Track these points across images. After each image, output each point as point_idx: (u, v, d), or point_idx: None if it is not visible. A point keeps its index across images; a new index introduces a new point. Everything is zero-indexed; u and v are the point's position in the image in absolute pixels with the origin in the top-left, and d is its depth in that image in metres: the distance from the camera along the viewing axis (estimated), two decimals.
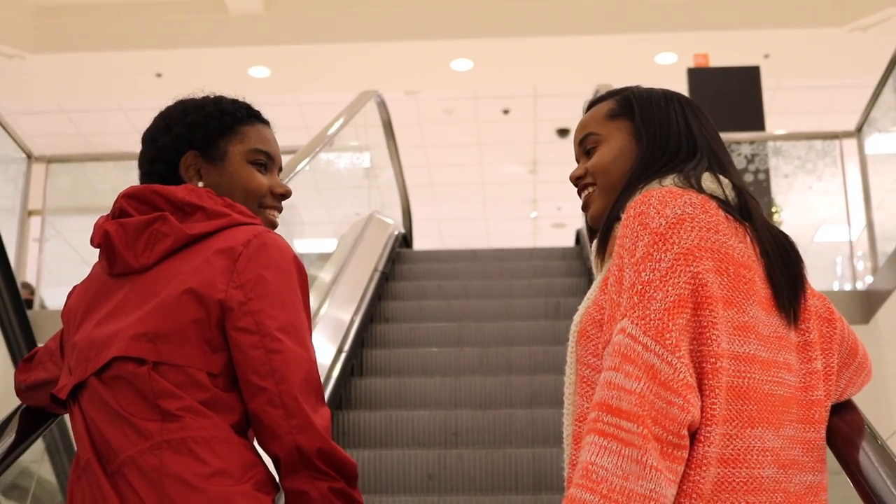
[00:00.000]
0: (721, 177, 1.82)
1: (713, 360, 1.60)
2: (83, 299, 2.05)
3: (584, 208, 1.95)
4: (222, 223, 1.99)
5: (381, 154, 8.66)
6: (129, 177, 8.25)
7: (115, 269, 2.01)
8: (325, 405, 1.93)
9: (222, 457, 1.85)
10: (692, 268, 1.62)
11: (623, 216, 1.71)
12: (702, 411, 1.58)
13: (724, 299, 1.65)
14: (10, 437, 2.25)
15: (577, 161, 1.97)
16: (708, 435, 1.58)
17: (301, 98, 12.06)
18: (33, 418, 2.30)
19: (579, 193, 1.96)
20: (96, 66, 10.81)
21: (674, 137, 1.86)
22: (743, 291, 1.68)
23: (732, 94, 8.45)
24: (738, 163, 7.78)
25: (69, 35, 10.42)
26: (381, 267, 6.38)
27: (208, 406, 1.88)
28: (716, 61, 9.74)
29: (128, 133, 12.59)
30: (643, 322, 1.59)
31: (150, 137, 2.12)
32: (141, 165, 2.13)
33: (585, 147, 1.94)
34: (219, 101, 2.14)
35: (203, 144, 2.08)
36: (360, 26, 10.42)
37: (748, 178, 7.81)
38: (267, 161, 2.14)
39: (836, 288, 11.36)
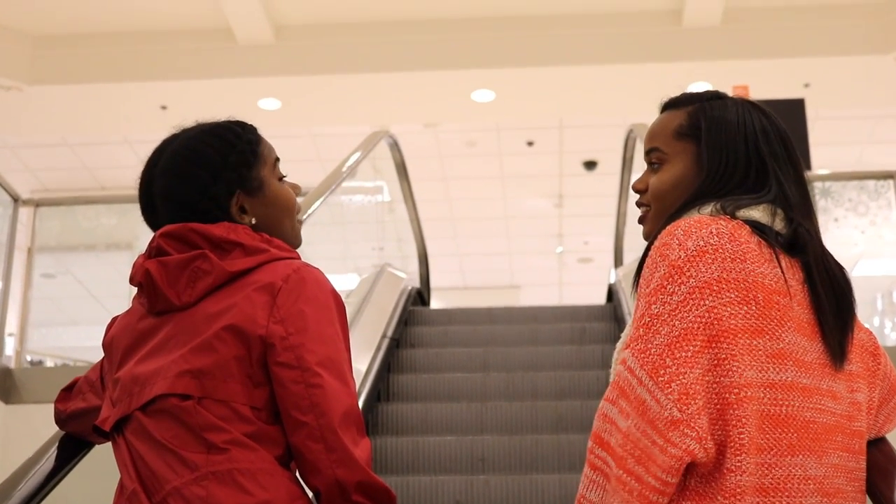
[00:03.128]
0: (779, 209, 1.80)
1: (736, 390, 1.61)
2: (125, 334, 2.10)
3: (640, 222, 1.97)
4: (261, 259, 2.04)
5: (394, 192, 8.21)
6: (125, 220, 8.00)
7: (157, 308, 2.06)
8: (365, 437, 1.97)
9: (267, 488, 1.90)
10: (707, 301, 1.64)
11: (651, 248, 1.74)
12: (730, 441, 1.60)
13: (751, 329, 1.65)
14: (49, 465, 2.37)
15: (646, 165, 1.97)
16: (740, 464, 1.59)
17: (314, 130, 11.85)
18: (72, 446, 2.41)
19: (638, 205, 1.97)
20: (98, 99, 10.60)
21: (739, 170, 1.83)
22: (776, 319, 1.68)
23: None
24: None
25: (68, 66, 10.22)
26: (389, 333, 5.89)
27: (254, 439, 1.94)
28: (753, 91, 9.24)
29: (134, 166, 11.95)
30: (643, 356, 1.62)
31: (196, 189, 2.09)
32: (176, 211, 2.10)
33: (650, 160, 1.94)
34: (235, 131, 2.16)
35: (246, 181, 2.12)
36: (376, 56, 10.17)
37: None
38: (280, 168, 2.21)
39: (876, 323, 11.07)
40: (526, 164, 13.01)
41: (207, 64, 10.16)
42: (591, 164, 12.96)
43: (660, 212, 1.90)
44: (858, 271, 10.00)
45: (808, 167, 8.05)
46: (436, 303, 13.30)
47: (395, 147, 7.62)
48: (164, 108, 10.66)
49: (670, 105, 1.97)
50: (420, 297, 7.36)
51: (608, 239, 9.40)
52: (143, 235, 7.85)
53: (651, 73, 10.01)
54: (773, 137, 1.87)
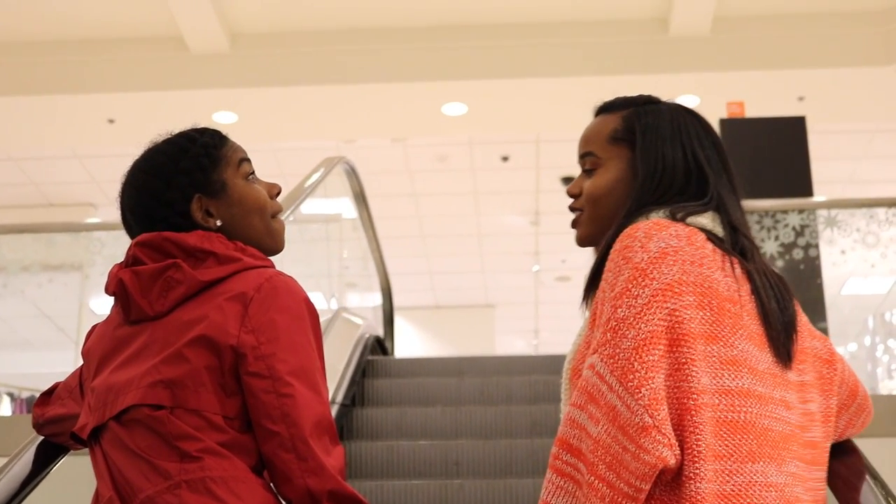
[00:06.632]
0: (720, 217, 1.84)
1: (694, 396, 1.62)
2: (102, 342, 2.13)
3: (573, 226, 1.99)
4: (234, 268, 2.06)
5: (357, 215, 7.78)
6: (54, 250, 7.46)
7: (130, 317, 2.08)
8: (338, 446, 1.98)
9: (241, 496, 1.92)
10: (670, 304, 1.66)
11: (611, 251, 1.75)
12: (687, 448, 1.60)
13: (706, 334, 1.68)
14: (25, 470, 2.38)
15: (580, 169, 1.99)
16: (698, 471, 1.59)
17: (275, 145, 11.53)
18: (49, 452, 2.44)
19: (571, 209, 1.99)
20: (42, 111, 10.22)
21: (678, 177, 1.86)
22: (729, 325, 1.71)
23: (773, 151, 7.39)
24: (786, 236, 6.73)
25: (9, 76, 9.84)
26: (339, 398, 5.31)
27: (227, 447, 1.95)
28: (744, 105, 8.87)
29: (84, 182, 12.26)
30: (611, 360, 1.63)
31: (151, 197, 2.12)
32: (144, 222, 2.14)
33: (584, 165, 1.96)
34: (191, 137, 2.18)
35: (204, 184, 2.12)
36: (340, 66, 9.86)
37: (797, 253, 6.81)
38: (251, 167, 2.21)
39: (867, 343, 10.89)
40: (500, 180, 12.88)
41: (158, 75, 9.83)
42: (569, 180, 12.66)
43: (593, 216, 1.92)
44: (848, 290, 9.57)
45: (810, 188, 7.55)
46: (403, 322, 12.77)
47: (352, 174, 7.05)
48: (111, 121, 10.29)
49: (605, 109, 2.00)
50: (380, 346, 6.76)
51: (587, 257, 8.97)
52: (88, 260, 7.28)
53: (634, 85, 9.45)
54: (707, 143, 1.90)
